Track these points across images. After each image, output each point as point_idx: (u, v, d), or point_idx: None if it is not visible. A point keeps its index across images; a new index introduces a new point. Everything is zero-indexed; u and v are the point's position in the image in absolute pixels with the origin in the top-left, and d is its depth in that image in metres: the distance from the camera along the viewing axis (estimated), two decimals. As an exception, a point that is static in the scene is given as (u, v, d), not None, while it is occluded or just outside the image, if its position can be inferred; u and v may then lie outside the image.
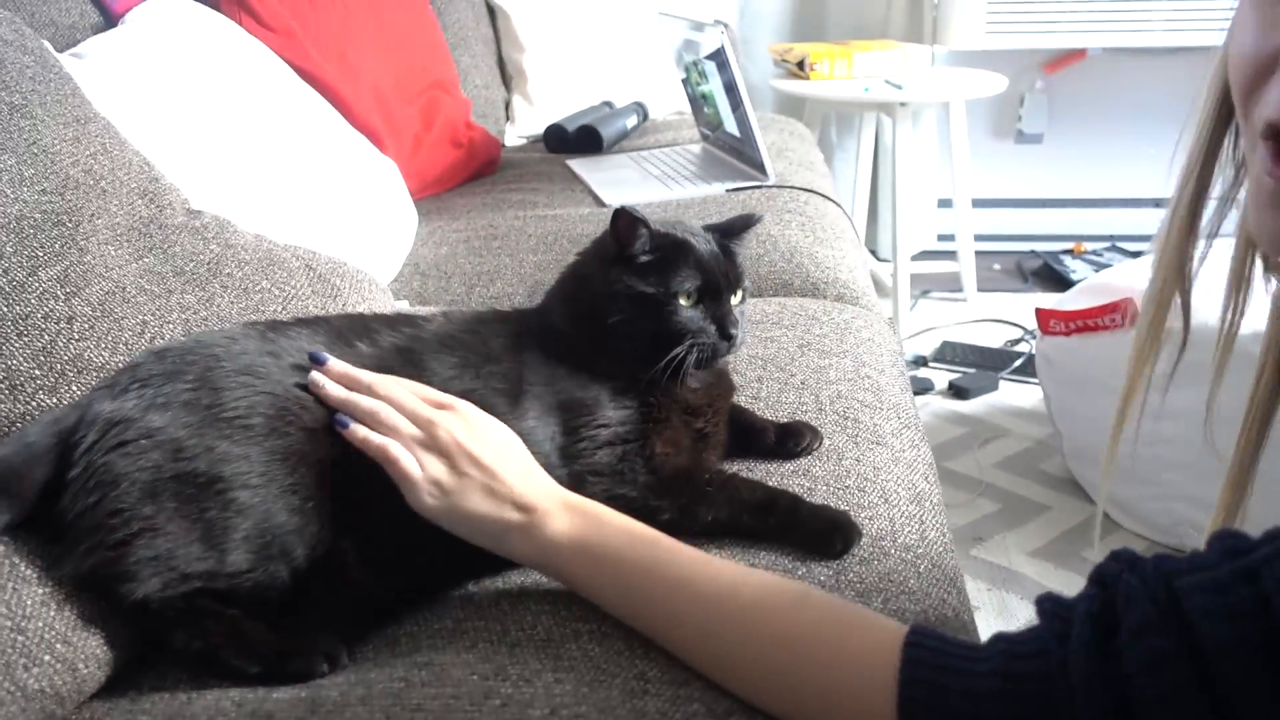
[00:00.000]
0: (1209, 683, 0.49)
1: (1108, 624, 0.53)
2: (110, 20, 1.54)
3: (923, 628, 0.63)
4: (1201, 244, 0.67)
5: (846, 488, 0.93)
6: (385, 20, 2.08)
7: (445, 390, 0.81)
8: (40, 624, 0.69)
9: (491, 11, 2.60)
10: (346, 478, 0.75)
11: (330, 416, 0.76)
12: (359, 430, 0.76)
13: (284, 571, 0.72)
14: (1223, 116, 0.63)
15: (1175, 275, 0.68)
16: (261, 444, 0.72)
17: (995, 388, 2.52)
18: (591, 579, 0.74)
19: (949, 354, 2.69)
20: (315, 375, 0.78)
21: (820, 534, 0.83)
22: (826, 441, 0.99)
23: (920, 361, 2.67)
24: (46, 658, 0.68)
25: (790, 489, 0.92)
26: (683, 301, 0.86)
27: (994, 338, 2.81)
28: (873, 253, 3.28)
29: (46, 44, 1.16)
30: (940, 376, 2.59)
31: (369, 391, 0.78)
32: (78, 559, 0.70)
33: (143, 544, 0.69)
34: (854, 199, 3.25)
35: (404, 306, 1.52)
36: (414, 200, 1.93)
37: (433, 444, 0.75)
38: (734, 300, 0.90)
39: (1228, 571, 0.51)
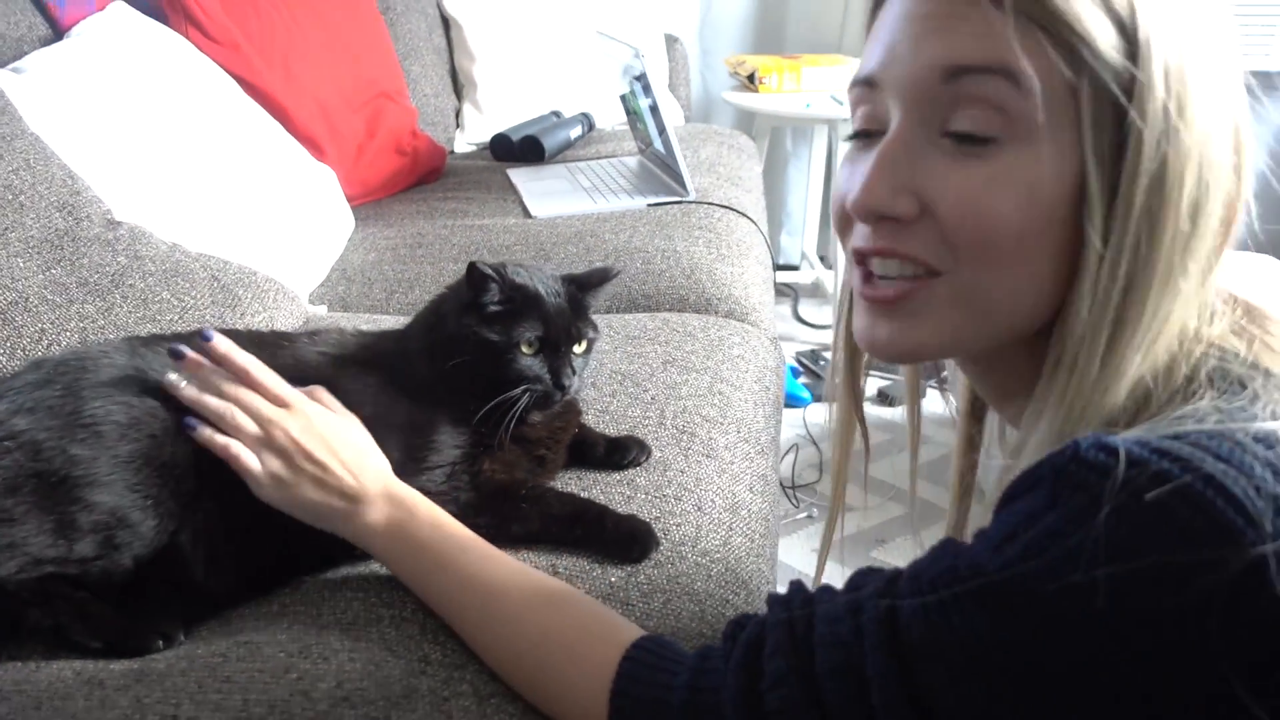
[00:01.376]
0: (817, 700, 0.57)
1: (759, 647, 0.61)
2: (58, 33, 1.62)
3: (647, 639, 0.69)
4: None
5: (664, 496, 1.03)
6: (333, 32, 2.17)
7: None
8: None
9: (445, 22, 2.69)
10: (190, 479, 0.85)
11: (180, 422, 0.86)
12: (204, 431, 0.84)
13: (128, 560, 0.82)
14: None
15: (850, 397, 0.81)
16: (112, 448, 0.82)
17: (923, 395, 2.61)
18: (399, 563, 0.84)
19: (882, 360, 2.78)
20: (171, 377, 0.86)
21: (620, 543, 0.93)
22: (658, 454, 1.09)
23: (854, 368, 2.76)
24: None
25: (613, 497, 1.02)
26: (524, 350, 0.94)
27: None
28: (822, 259, 3.38)
29: (-19, 62, 1.26)
30: (871, 383, 2.69)
31: (218, 392, 0.86)
32: None
33: (1, 532, 0.79)
34: (805, 208, 3.35)
35: (321, 312, 1.62)
36: (354, 206, 2.02)
37: (271, 443, 0.84)
38: (577, 350, 0.98)
39: (844, 603, 0.59)
